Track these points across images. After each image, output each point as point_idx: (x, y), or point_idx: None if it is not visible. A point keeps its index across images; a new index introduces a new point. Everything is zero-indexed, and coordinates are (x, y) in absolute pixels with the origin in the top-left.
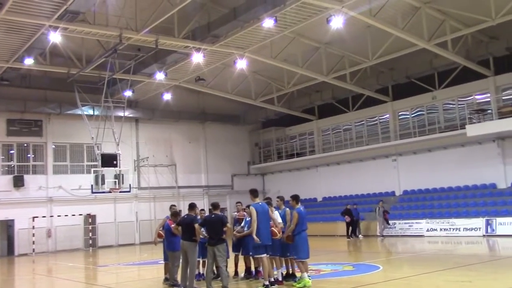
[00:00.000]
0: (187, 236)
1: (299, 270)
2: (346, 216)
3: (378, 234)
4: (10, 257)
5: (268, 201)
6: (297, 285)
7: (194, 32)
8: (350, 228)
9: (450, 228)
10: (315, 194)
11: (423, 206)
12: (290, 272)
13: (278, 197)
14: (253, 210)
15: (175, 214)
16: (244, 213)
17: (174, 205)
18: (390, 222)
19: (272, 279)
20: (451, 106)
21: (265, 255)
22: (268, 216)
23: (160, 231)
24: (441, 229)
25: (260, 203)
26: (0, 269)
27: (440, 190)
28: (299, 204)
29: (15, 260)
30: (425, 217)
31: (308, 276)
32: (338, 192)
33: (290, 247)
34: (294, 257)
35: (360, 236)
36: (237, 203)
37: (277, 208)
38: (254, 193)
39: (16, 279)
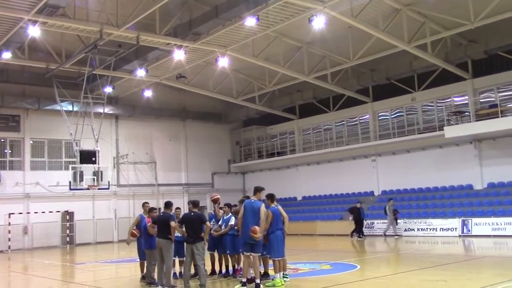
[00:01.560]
0: (163, 234)
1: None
2: (351, 215)
3: (392, 233)
4: None
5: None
6: (267, 284)
7: (176, 29)
8: (355, 227)
9: (427, 228)
10: (295, 193)
11: (401, 207)
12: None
13: (225, 205)
14: (241, 206)
15: (150, 210)
16: (221, 211)
17: (147, 202)
18: (369, 221)
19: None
20: (430, 107)
21: (249, 253)
22: (257, 214)
23: (133, 230)
24: (418, 229)
25: (252, 200)
26: None
27: (418, 191)
28: (275, 203)
29: None
30: (402, 217)
31: (285, 274)
32: (317, 192)
33: (265, 246)
34: (269, 255)
35: (360, 236)
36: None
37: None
38: (254, 190)
39: None
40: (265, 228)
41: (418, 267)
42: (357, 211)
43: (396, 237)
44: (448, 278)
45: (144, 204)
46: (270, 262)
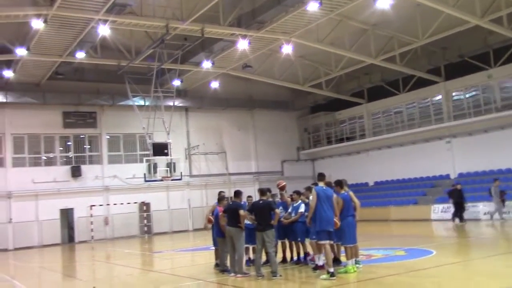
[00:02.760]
0: (233, 222)
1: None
2: (450, 199)
3: (498, 216)
4: (71, 244)
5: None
6: (339, 271)
7: (239, 19)
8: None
9: (509, 212)
10: (367, 178)
11: (480, 189)
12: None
13: (294, 192)
14: (314, 193)
15: (221, 199)
16: (288, 198)
17: (223, 191)
18: (443, 205)
19: (315, 264)
20: (508, 84)
21: (328, 241)
22: (331, 201)
23: (210, 217)
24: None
25: (323, 188)
26: (62, 256)
27: (498, 172)
28: (344, 190)
29: (76, 247)
30: (482, 200)
31: (358, 261)
32: (390, 176)
33: (336, 233)
34: (340, 242)
35: (462, 221)
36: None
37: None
38: (319, 176)
39: (77, 265)
40: (336, 214)
41: (498, 252)
42: (457, 193)
43: (501, 220)
44: None
45: (219, 193)
46: (342, 249)
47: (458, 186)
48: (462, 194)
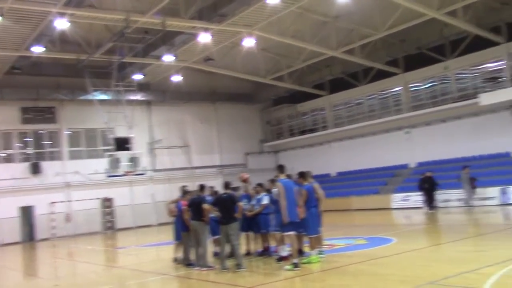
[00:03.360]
0: (197, 216)
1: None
2: (423, 185)
3: (465, 204)
4: (31, 242)
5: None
6: (303, 261)
7: (201, 12)
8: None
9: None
10: (329, 169)
11: (438, 177)
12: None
13: (257, 184)
14: (280, 186)
15: (185, 193)
16: (252, 191)
17: (186, 186)
18: (405, 194)
19: (279, 256)
20: (464, 75)
21: (293, 232)
22: (293, 193)
23: (173, 209)
24: (456, 200)
25: (286, 180)
26: (23, 254)
27: (455, 161)
28: (308, 181)
29: (37, 245)
30: (440, 188)
31: (321, 251)
32: (352, 167)
33: (300, 224)
34: (303, 233)
35: (432, 208)
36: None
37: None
38: (280, 168)
39: (38, 263)
40: (300, 206)
41: (456, 238)
42: (429, 181)
43: (469, 207)
44: (488, 248)
45: (182, 187)
46: (306, 239)
47: (428, 174)
48: (434, 181)
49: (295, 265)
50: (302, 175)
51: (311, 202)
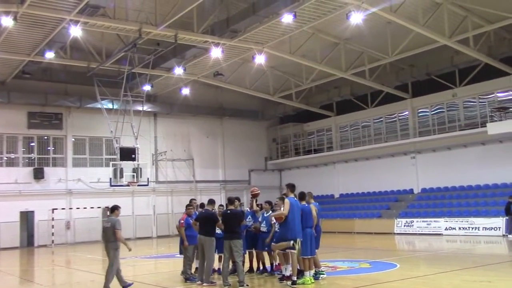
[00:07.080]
0: (205, 231)
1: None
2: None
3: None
4: (30, 248)
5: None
6: (298, 282)
7: (213, 27)
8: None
9: (469, 227)
10: (333, 190)
11: (442, 205)
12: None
13: (266, 202)
14: (287, 202)
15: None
16: (257, 208)
17: (194, 199)
18: (409, 220)
19: (282, 274)
20: (472, 103)
21: (295, 251)
22: (300, 212)
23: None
24: (459, 228)
25: (295, 199)
26: (20, 260)
27: (460, 189)
28: (307, 201)
29: (35, 251)
30: (443, 215)
31: (321, 271)
32: (355, 189)
33: None
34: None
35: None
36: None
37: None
38: (291, 187)
39: (36, 270)
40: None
41: (460, 267)
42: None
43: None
44: (492, 278)
45: (191, 201)
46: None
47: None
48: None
49: (293, 283)
50: (302, 196)
51: (307, 222)
